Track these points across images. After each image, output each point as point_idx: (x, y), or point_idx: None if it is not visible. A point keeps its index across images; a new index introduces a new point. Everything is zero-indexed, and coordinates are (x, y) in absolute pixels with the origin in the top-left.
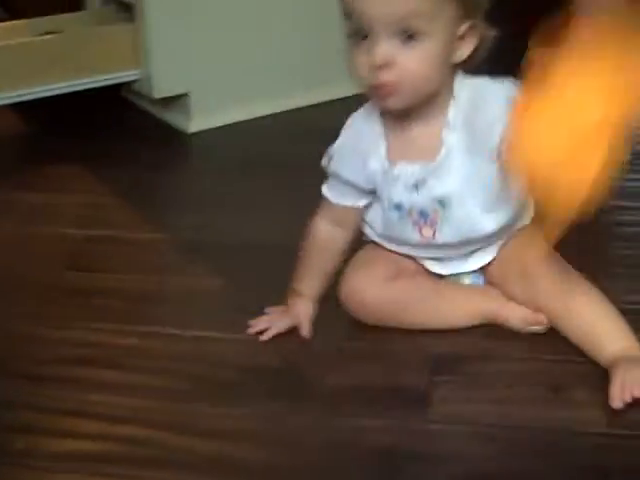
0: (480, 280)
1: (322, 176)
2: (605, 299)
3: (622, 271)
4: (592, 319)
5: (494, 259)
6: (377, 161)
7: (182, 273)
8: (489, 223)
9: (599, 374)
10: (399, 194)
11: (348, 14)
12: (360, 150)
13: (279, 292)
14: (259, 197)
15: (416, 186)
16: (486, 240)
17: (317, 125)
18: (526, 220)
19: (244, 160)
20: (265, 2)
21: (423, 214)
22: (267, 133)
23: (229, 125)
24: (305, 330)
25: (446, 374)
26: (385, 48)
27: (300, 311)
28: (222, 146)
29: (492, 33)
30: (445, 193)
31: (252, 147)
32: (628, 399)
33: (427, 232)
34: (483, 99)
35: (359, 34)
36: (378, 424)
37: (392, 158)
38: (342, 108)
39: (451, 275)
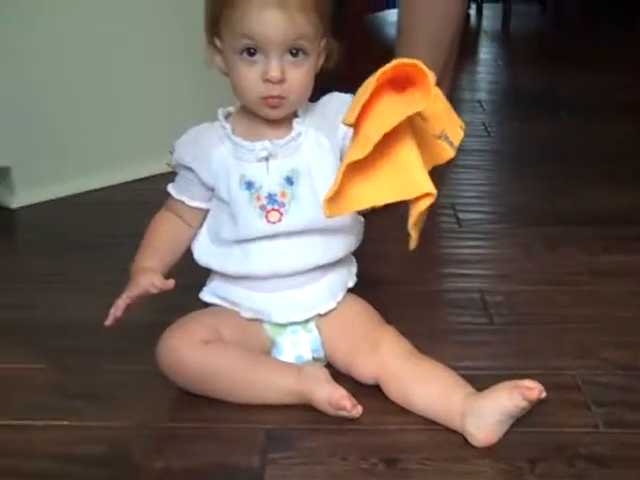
0: (321, 354)
1: None
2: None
3: (453, 337)
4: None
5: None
6: (224, 145)
7: None
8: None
9: (435, 443)
10: (251, 169)
11: (241, 34)
12: (204, 141)
13: (105, 374)
14: (82, 275)
15: (266, 159)
16: (322, 263)
17: (149, 198)
18: (352, 275)
19: (68, 236)
20: (85, 74)
21: (271, 198)
22: (94, 208)
23: (54, 200)
24: (158, 281)
25: (280, 450)
26: (279, 65)
27: (146, 275)
28: (47, 222)
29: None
30: (294, 168)
31: (77, 223)
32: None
33: (274, 217)
34: (328, 100)
35: (248, 52)
36: None
37: (241, 135)
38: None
39: (293, 324)
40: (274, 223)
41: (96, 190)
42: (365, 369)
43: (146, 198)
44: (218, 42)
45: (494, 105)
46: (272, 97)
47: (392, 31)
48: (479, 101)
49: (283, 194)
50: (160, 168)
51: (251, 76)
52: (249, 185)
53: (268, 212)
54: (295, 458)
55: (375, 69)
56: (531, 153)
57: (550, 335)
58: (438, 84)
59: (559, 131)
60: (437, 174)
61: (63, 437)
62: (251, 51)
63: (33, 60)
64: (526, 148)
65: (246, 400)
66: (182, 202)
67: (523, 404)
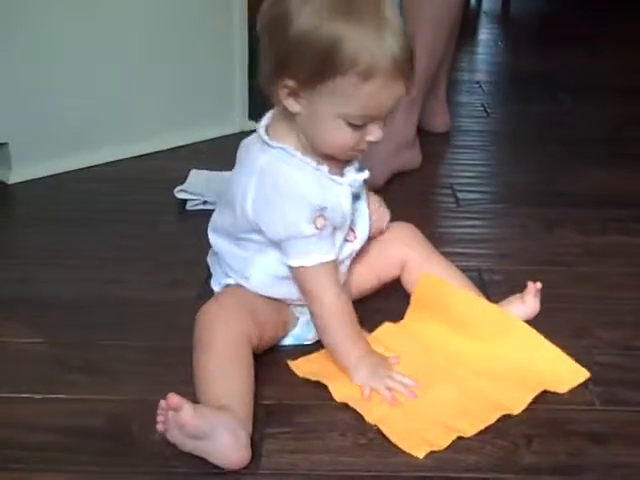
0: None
1: (142, 227)
2: None
3: None
4: None
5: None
6: (318, 181)
7: None
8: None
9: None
10: (348, 205)
11: (363, 106)
12: (314, 188)
13: (103, 348)
14: (79, 250)
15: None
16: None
17: (142, 175)
18: None
19: (66, 212)
20: (83, 50)
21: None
22: (91, 184)
23: (51, 176)
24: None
25: (279, 425)
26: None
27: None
28: (44, 198)
29: None
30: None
31: (74, 199)
32: None
33: (350, 237)
34: None
35: (363, 121)
36: None
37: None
38: (164, 159)
39: None
40: (352, 242)
41: (93, 167)
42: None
43: (143, 175)
44: (293, 83)
45: (493, 86)
46: (360, 151)
47: None
48: (478, 82)
49: (353, 213)
50: (156, 146)
51: (352, 138)
52: (344, 218)
53: (348, 234)
54: (293, 433)
55: None
56: (530, 134)
57: (547, 314)
58: (438, 66)
59: (558, 112)
60: (436, 154)
61: (61, 410)
62: (362, 122)
63: (30, 37)
64: (525, 129)
65: None
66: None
67: (535, 312)
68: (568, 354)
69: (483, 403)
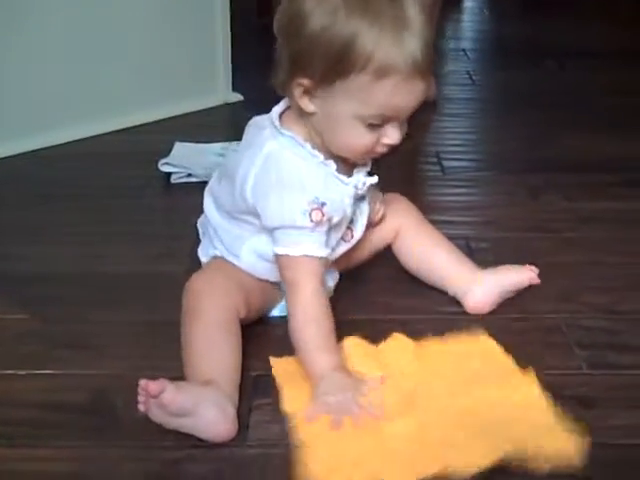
0: None
1: (127, 201)
2: None
3: None
4: None
5: None
6: (325, 177)
7: None
8: None
9: None
10: (349, 205)
11: (379, 105)
12: (321, 181)
13: (87, 323)
14: (60, 226)
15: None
16: None
17: (125, 149)
18: None
19: (48, 188)
20: (62, 24)
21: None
22: (74, 159)
23: (33, 151)
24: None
25: (266, 396)
26: (400, 130)
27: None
28: (24, 174)
29: None
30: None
31: (54, 175)
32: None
33: (347, 236)
34: None
35: (379, 121)
36: (195, 453)
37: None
38: (147, 132)
39: None
40: (348, 242)
41: (75, 141)
42: (389, 224)
43: (126, 149)
44: (308, 82)
45: (479, 54)
46: (377, 154)
47: None
48: (464, 50)
49: (354, 212)
50: (139, 119)
51: (368, 140)
52: (347, 220)
53: (345, 234)
54: (280, 404)
55: None
56: (516, 101)
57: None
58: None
59: (544, 79)
60: (421, 122)
61: (46, 385)
62: (378, 122)
63: (7, 13)
64: (511, 96)
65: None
66: (325, 258)
67: (525, 283)
68: (554, 318)
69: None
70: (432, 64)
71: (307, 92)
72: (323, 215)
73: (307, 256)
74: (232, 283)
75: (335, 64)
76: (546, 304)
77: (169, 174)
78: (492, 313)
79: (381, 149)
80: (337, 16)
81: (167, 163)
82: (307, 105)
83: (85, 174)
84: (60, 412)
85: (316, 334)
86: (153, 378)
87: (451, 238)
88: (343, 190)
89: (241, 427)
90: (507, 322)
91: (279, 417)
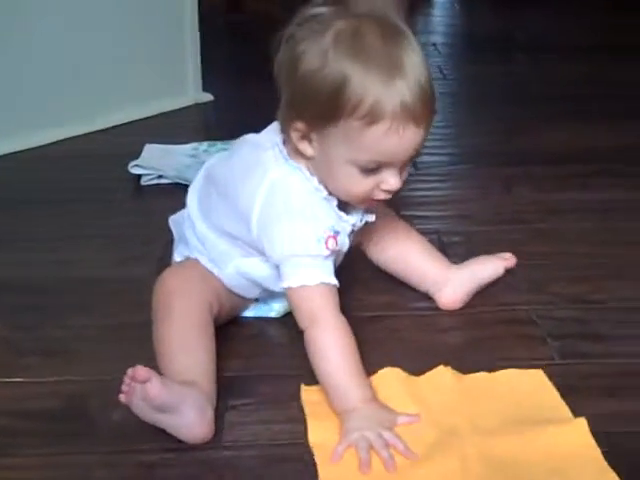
0: None
1: (97, 204)
2: None
3: None
4: None
5: None
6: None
7: None
8: None
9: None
10: (347, 241)
11: (370, 151)
12: (324, 211)
13: (58, 329)
14: (33, 232)
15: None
16: None
17: (95, 152)
18: None
19: (16, 193)
20: (26, 26)
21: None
22: (43, 163)
23: (2, 156)
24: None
25: (240, 397)
26: (400, 177)
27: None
28: None
29: None
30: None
31: (27, 179)
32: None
33: (331, 244)
34: None
35: (375, 167)
36: (169, 456)
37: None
38: (116, 134)
39: None
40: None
41: (43, 146)
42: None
43: (96, 152)
44: (302, 126)
45: (450, 48)
46: (377, 200)
47: None
48: (434, 44)
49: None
50: (108, 121)
51: (365, 186)
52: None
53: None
54: (255, 404)
55: None
56: (487, 95)
57: (505, 272)
58: None
59: (515, 73)
60: None
61: (17, 394)
62: (373, 168)
63: None
64: (482, 90)
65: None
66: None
67: (500, 272)
68: (525, 310)
69: None
70: (430, 105)
71: (304, 136)
72: (337, 244)
73: (324, 284)
74: (206, 284)
75: (325, 108)
76: (518, 296)
77: (139, 176)
78: (464, 306)
79: (382, 195)
80: (327, 58)
81: (137, 165)
82: (306, 149)
83: (54, 178)
84: (31, 420)
85: (347, 365)
86: None
87: (423, 233)
88: (343, 226)
89: (217, 429)
90: (479, 315)
91: (254, 418)
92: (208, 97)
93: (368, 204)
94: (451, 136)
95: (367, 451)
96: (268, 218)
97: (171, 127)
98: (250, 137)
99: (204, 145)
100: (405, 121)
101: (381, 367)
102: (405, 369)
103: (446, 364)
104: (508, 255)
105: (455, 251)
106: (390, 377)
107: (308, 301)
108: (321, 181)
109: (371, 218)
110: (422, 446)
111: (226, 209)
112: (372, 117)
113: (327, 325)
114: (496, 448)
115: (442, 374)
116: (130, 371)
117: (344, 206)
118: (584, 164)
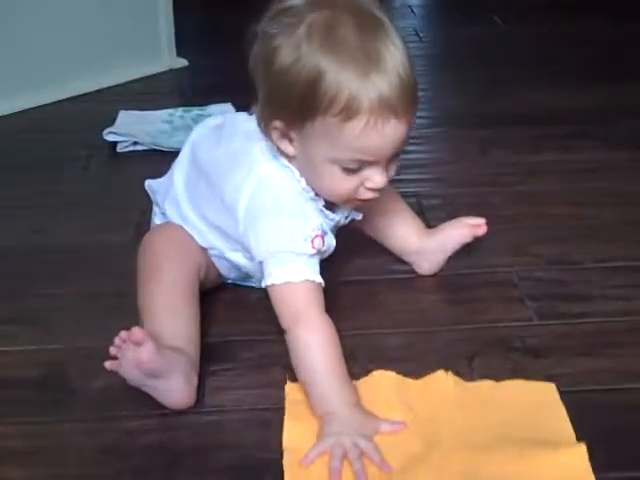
0: None
1: (72, 172)
2: None
3: None
4: None
5: None
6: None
7: None
8: None
9: (378, 346)
10: (333, 239)
11: (350, 148)
12: (309, 211)
13: (36, 297)
14: (5, 200)
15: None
16: None
17: (69, 119)
18: None
19: None
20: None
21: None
22: (15, 131)
23: None
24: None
25: (221, 362)
26: (384, 174)
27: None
28: None
29: None
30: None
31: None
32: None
33: (318, 243)
34: None
35: (357, 165)
36: (150, 422)
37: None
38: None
39: None
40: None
41: (15, 113)
42: None
43: (70, 119)
44: (280, 124)
45: (425, 10)
46: (364, 200)
47: None
48: (410, 6)
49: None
50: (81, 88)
51: (349, 185)
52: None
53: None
54: (236, 369)
55: None
56: (464, 57)
57: (485, 235)
58: None
59: (491, 34)
60: None
61: None
62: (355, 166)
63: None
64: (458, 52)
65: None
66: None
67: (469, 240)
68: (506, 272)
69: None
70: (412, 97)
71: (283, 135)
72: (323, 244)
73: (308, 281)
74: (195, 248)
75: (301, 106)
76: (498, 257)
77: (115, 143)
78: (444, 269)
79: (368, 194)
80: (300, 53)
81: (112, 132)
82: (287, 148)
83: (28, 146)
84: (11, 388)
85: (330, 367)
86: (106, 349)
87: (403, 196)
88: (330, 224)
89: (198, 394)
90: (458, 277)
91: (235, 383)
92: (183, 63)
93: (353, 204)
94: (426, 99)
95: (340, 460)
96: (256, 214)
97: (146, 93)
98: (241, 121)
99: (179, 111)
100: (384, 115)
101: (365, 329)
102: (385, 331)
103: (446, 369)
104: (480, 220)
105: (435, 214)
106: (381, 380)
107: (292, 299)
108: (307, 182)
109: (358, 216)
110: (401, 457)
111: (214, 201)
112: (348, 113)
113: (312, 324)
114: (484, 466)
115: (441, 380)
116: (124, 333)
117: (331, 206)
118: (559, 125)
